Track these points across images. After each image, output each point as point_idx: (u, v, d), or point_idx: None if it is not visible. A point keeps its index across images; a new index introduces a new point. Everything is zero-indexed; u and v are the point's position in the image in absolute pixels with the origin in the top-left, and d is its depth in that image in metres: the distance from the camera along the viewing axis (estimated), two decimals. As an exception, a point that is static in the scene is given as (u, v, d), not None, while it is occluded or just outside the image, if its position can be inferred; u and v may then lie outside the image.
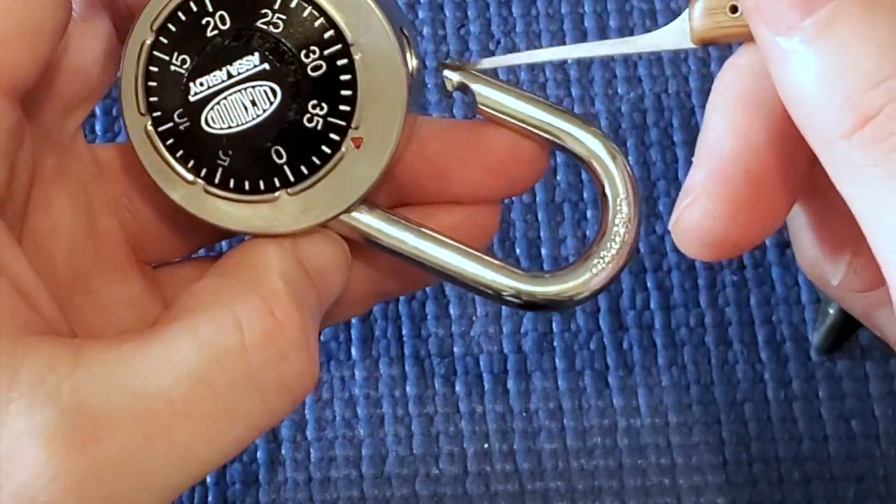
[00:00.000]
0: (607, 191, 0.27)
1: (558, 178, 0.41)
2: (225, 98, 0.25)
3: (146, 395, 0.22)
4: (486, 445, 0.38)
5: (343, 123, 0.26)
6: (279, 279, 0.25)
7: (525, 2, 0.42)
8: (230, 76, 0.25)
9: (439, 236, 0.27)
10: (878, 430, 0.38)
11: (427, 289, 0.39)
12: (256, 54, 0.25)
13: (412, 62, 0.27)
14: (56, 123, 0.28)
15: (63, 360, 0.22)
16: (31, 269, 0.24)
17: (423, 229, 0.27)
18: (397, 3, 0.28)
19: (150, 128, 0.27)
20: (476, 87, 0.27)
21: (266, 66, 0.25)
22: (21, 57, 0.25)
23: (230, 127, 0.25)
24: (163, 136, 0.27)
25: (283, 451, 0.38)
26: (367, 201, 0.27)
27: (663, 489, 0.37)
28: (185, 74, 0.26)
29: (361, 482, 0.38)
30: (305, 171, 0.26)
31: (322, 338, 0.39)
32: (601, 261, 0.27)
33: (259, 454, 0.38)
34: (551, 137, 0.27)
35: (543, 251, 0.40)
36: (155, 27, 0.26)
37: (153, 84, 0.26)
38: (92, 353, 0.23)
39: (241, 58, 0.25)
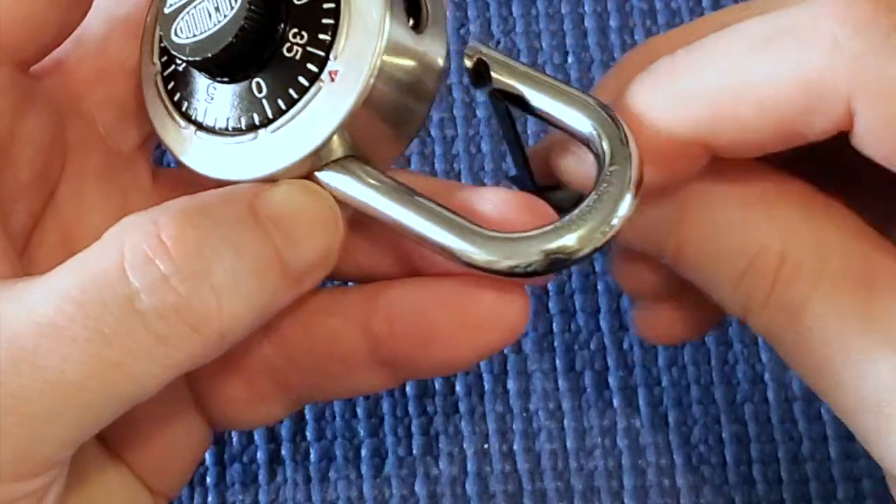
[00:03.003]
0: (603, 160, 0.25)
1: (558, 178, 0.41)
2: (194, 7, 0.25)
3: (17, 318, 0.22)
4: (485, 445, 0.38)
5: (322, 54, 0.25)
6: (183, 209, 0.24)
7: (525, 2, 0.42)
8: None
9: (430, 203, 0.25)
10: (877, 431, 0.38)
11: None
12: None
13: (426, 14, 0.26)
14: (112, 127, 0.28)
15: None
16: None
17: (412, 193, 0.26)
18: None
19: (157, 75, 0.27)
20: (494, 73, 0.27)
21: None
22: (8, 13, 0.25)
23: (194, 36, 0.25)
24: (166, 81, 0.27)
25: (282, 452, 0.38)
26: (356, 161, 0.26)
27: (663, 489, 0.37)
28: None
29: (361, 482, 0.38)
30: (283, 107, 0.25)
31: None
32: (561, 232, 0.24)
33: (258, 454, 0.38)
34: (557, 121, 0.26)
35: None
36: None
37: (160, 30, 0.26)
38: None
39: None
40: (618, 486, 0.37)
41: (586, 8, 0.42)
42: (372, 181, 0.25)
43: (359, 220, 0.26)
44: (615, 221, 0.24)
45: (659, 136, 0.25)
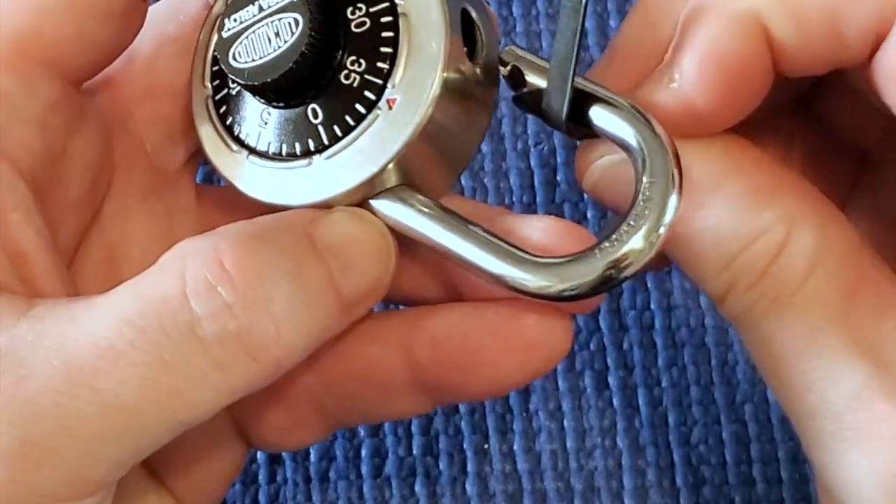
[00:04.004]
0: (640, 176, 0.24)
1: (558, 178, 0.40)
2: (253, 32, 0.25)
3: (76, 341, 0.22)
4: (486, 445, 0.38)
5: (380, 82, 0.25)
6: (242, 235, 0.24)
7: (525, 2, 0.42)
8: (261, 10, 0.25)
9: (481, 233, 0.25)
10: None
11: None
12: None
13: (481, 44, 0.26)
14: (158, 146, 0.28)
15: (10, 313, 0.22)
16: (38, 235, 0.24)
17: (464, 221, 0.25)
18: None
19: (208, 98, 0.27)
20: (530, 77, 0.26)
21: None
22: (62, 30, 0.25)
23: (253, 60, 0.25)
24: (218, 105, 0.27)
25: (282, 452, 0.38)
26: (408, 190, 0.25)
27: (663, 489, 0.37)
28: (223, 12, 0.26)
29: (361, 482, 0.38)
30: (339, 133, 0.25)
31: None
32: (606, 249, 0.24)
33: (258, 454, 0.38)
34: (594, 126, 0.26)
35: (543, 251, 0.40)
36: (229, 1, 0.26)
37: (216, 53, 0.27)
38: (42, 309, 0.22)
39: None
40: (618, 486, 0.37)
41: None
42: (425, 210, 0.25)
43: (403, 244, 0.26)
44: (662, 230, 0.24)
45: (723, 44, 0.25)
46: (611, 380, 0.38)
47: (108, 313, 0.22)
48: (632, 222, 0.24)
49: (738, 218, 0.25)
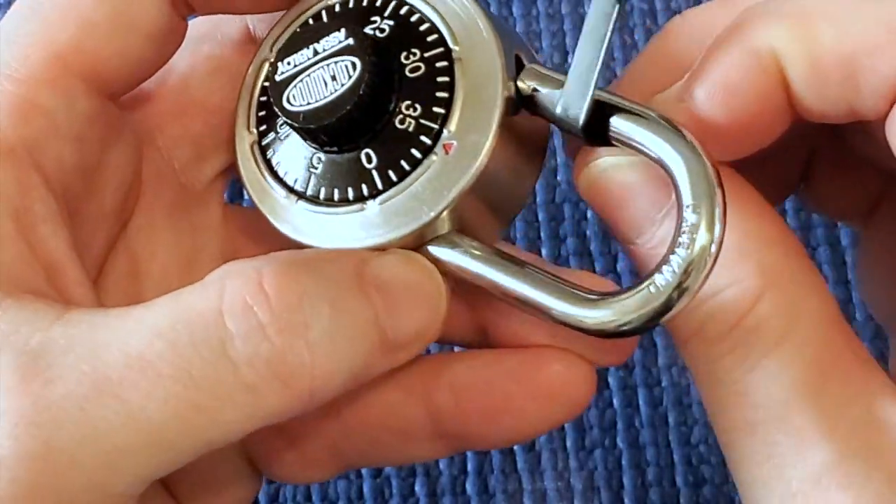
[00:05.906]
0: (680, 195, 0.23)
1: (558, 178, 0.41)
2: (308, 76, 0.25)
3: (107, 348, 0.22)
4: (485, 445, 0.38)
5: (436, 126, 0.25)
6: (288, 261, 0.23)
7: (525, 2, 0.42)
8: (316, 53, 0.25)
9: (535, 272, 0.25)
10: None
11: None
12: (343, 30, 0.25)
13: (527, 88, 0.25)
14: (186, 163, 0.28)
15: (45, 317, 0.22)
16: (67, 247, 0.24)
17: (520, 263, 0.25)
18: (521, 38, 0.27)
19: (254, 143, 0.27)
20: (544, 90, 0.26)
21: (350, 40, 0.24)
22: (105, 46, 0.25)
23: (309, 104, 0.25)
24: (264, 150, 0.26)
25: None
26: (460, 234, 0.25)
27: (662, 489, 0.37)
28: (275, 56, 0.26)
29: (361, 482, 0.38)
30: (394, 178, 0.25)
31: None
32: (658, 280, 0.23)
33: (259, 454, 0.38)
34: (628, 140, 0.25)
35: (544, 251, 0.40)
36: (276, 48, 0.26)
37: (264, 99, 0.26)
38: (76, 315, 0.22)
39: (328, 35, 0.25)
40: (618, 486, 0.37)
41: (586, 8, 0.42)
42: (479, 252, 0.25)
43: None
44: (714, 248, 0.23)
45: (741, 73, 0.24)
46: (611, 380, 0.38)
47: (142, 324, 0.22)
48: (679, 251, 0.23)
49: (719, 264, 0.24)
